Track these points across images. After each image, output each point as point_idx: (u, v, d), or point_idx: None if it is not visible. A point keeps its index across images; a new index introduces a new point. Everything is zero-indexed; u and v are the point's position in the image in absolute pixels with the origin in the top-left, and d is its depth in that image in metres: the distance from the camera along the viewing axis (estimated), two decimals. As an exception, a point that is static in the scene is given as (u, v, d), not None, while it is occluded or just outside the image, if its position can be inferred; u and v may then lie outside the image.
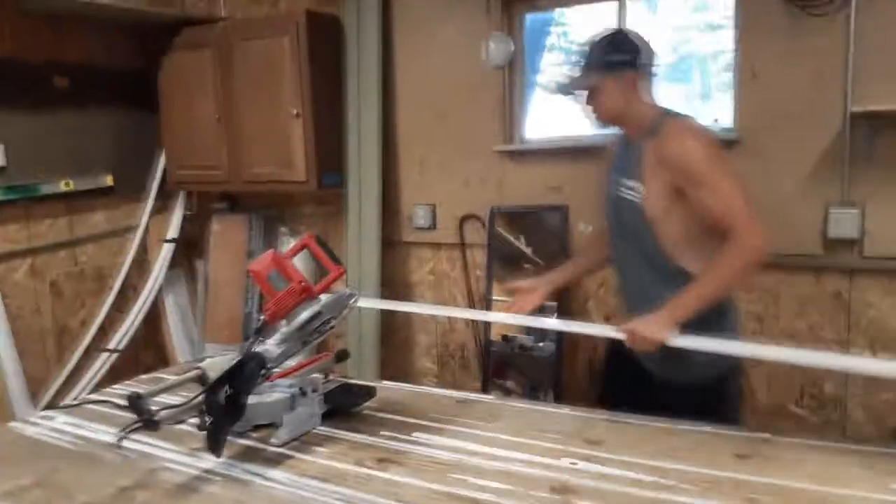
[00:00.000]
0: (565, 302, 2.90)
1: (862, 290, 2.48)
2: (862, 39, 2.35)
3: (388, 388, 1.80)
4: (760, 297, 2.64)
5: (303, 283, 1.49)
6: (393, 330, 3.53)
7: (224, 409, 1.32)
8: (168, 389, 1.40)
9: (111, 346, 3.55)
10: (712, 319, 1.63)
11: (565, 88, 1.83)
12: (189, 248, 3.99)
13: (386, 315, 3.45)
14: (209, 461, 1.34)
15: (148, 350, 3.82)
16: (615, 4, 2.84)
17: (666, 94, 2.89)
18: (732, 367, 1.79)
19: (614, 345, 1.87)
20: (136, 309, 3.65)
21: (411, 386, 1.85)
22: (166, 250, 3.75)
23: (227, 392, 1.33)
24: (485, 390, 3.06)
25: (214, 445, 1.32)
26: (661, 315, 1.56)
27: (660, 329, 1.53)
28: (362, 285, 3.34)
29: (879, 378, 2.44)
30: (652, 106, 1.79)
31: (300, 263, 1.63)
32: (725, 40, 2.67)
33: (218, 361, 1.55)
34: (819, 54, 2.42)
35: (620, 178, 1.76)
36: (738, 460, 1.30)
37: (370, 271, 3.30)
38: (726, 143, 2.59)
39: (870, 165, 2.38)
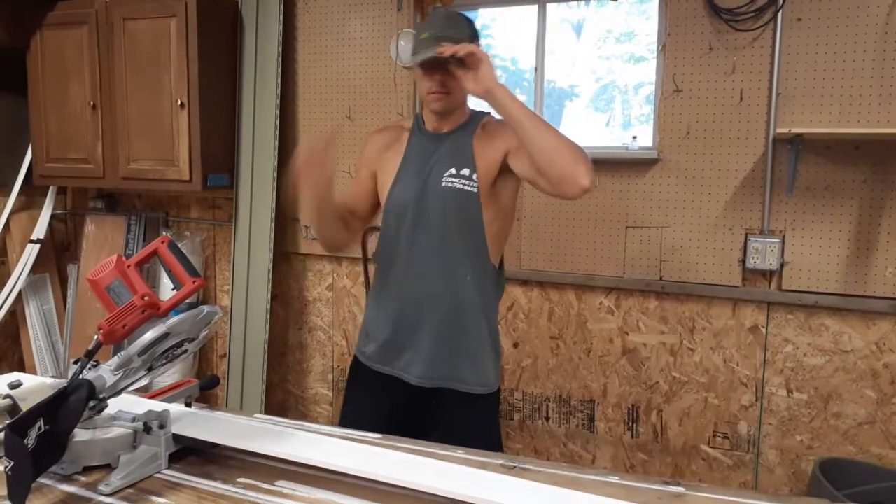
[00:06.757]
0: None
1: (779, 324, 2.34)
2: (788, 57, 2.23)
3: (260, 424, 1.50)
4: (674, 328, 2.47)
5: (147, 298, 1.28)
6: (284, 351, 3.19)
7: (33, 451, 1.06)
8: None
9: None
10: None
11: (441, 58, 1.46)
12: (61, 252, 3.55)
13: (276, 334, 3.11)
14: (10, 514, 1.09)
15: (3, 365, 3.35)
16: (535, 23, 2.65)
17: (588, 120, 2.77)
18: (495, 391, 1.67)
19: (357, 364, 1.73)
20: (-14, 317, 3.19)
21: (287, 421, 1.56)
22: (29, 252, 3.30)
23: (39, 429, 1.08)
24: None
25: (15, 496, 1.04)
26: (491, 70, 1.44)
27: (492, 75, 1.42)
28: (250, 301, 3.00)
29: (793, 418, 2.33)
30: None
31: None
32: (648, 72, 2.54)
33: (35, 388, 1.31)
34: (745, 71, 2.30)
35: (446, 169, 1.56)
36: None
37: (259, 286, 2.97)
38: (645, 163, 2.44)
39: (792, 192, 2.24)
